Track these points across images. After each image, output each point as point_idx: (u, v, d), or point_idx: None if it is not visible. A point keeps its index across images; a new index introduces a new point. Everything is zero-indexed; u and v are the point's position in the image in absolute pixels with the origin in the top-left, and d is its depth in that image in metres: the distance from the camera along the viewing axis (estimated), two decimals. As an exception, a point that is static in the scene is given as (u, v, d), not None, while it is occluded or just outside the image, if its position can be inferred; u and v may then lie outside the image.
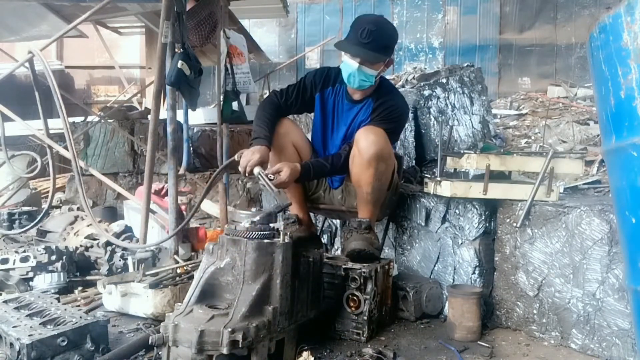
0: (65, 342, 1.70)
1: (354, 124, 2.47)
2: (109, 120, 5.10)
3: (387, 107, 2.37)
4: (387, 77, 4.61)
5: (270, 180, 2.12)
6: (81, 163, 2.77)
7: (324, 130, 2.56)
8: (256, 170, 2.15)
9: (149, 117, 3.06)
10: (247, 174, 2.18)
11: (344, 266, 2.17)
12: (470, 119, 3.65)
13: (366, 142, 2.22)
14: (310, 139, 2.62)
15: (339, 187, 2.61)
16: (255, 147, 2.21)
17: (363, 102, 2.44)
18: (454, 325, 2.17)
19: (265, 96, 7.16)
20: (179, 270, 2.36)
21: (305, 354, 1.88)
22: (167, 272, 2.32)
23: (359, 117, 2.46)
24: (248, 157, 2.17)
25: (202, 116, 5.99)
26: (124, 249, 2.71)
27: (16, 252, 2.66)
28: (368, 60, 2.26)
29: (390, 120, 2.36)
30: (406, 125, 3.18)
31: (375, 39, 2.22)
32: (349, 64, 2.29)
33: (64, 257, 2.71)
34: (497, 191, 2.31)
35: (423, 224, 2.56)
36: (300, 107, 2.54)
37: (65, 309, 1.91)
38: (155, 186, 3.14)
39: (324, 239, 3.07)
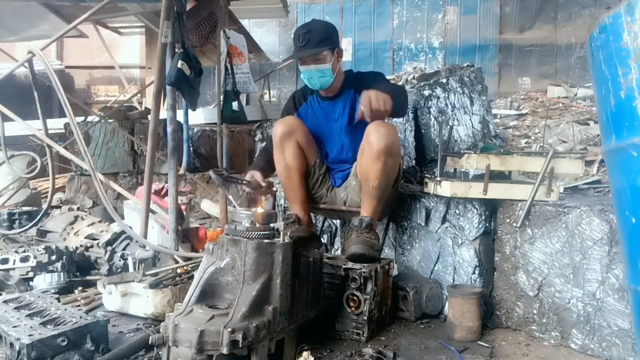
0: (65, 342, 1.70)
1: (343, 114, 2.56)
2: (109, 120, 5.10)
3: (368, 77, 2.56)
4: (388, 77, 4.62)
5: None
6: (81, 163, 2.77)
7: (320, 137, 2.64)
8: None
9: (149, 117, 3.06)
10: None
11: (344, 266, 2.17)
12: (470, 119, 3.64)
13: (377, 134, 2.26)
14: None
15: (342, 184, 2.62)
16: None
17: (341, 95, 2.58)
18: (454, 325, 2.17)
19: (264, 97, 7.20)
20: (179, 270, 2.36)
21: (305, 354, 1.88)
22: (167, 272, 2.32)
23: (344, 106, 2.56)
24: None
25: (202, 116, 6.00)
26: (125, 248, 2.71)
27: (16, 252, 2.66)
28: (313, 56, 2.44)
29: (383, 80, 2.53)
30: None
31: (310, 38, 2.43)
32: (303, 70, 2.50)
33: (64, 257, 2.71)
34: (497, 191, 2.31)
35: (423, 224, 2.56)
36: None
37: (65, 309, 1.91)
38: (155, 186, 3.14)
39: (324, 239, 3.07)
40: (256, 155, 2.66)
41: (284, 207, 2.32)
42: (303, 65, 2.48)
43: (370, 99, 2.11)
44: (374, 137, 2.26)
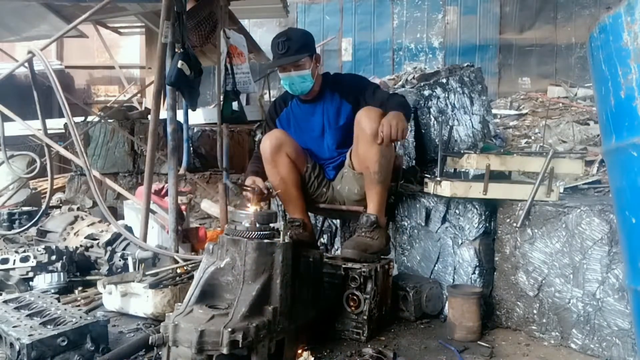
0: (65, 342, 1.70)
1: (326, 116, 2.60)
2: (109, 120, 5.10)
3: (358, 83, 2.61)
4: (387, 77, 4.62)
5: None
6: (82, 163, 2.77)
7: (303, 138, 2.65)
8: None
9: (149, 117, 3.06)
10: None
11: (344, 266, 2.17)
12: (470, 119, 3.64)
13: (368, 118, 2.31)
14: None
15: (335, 176, 2.64)
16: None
17: (321, 98, 2.62)
18: (454, 325, 2.17)
19: (264, 97, 7.21)
20: (179, 270, 2.36)
21: (305, 354, 1.88)
22: (167, 272, 2.32)
23: (327, 109, 2.60)
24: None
25: (202, 116, 6.00)
26: (125, 248, 2.71)
27: (16, 252, 2.66)
28: (293, 64, 2.49)
29: (367, 84, 2.60)
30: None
31: (289, 46, 2.49)
32: (284, 77, 2.54)
33: (64, 257, 2.71)
34: (497, 191, 2.31)
35: (423, 224, 2.56)
36: None
37: (65, 309, 1.91)
38: (155, 186, 3.14)
39: (324, 239, 3.07)
40: (250, 161, 2.71)
41: (283, 211, 2.35)
42: (283, 72, 2.53)
43: (390, 128, 2.21)
44: (365, 122, 2.31)
